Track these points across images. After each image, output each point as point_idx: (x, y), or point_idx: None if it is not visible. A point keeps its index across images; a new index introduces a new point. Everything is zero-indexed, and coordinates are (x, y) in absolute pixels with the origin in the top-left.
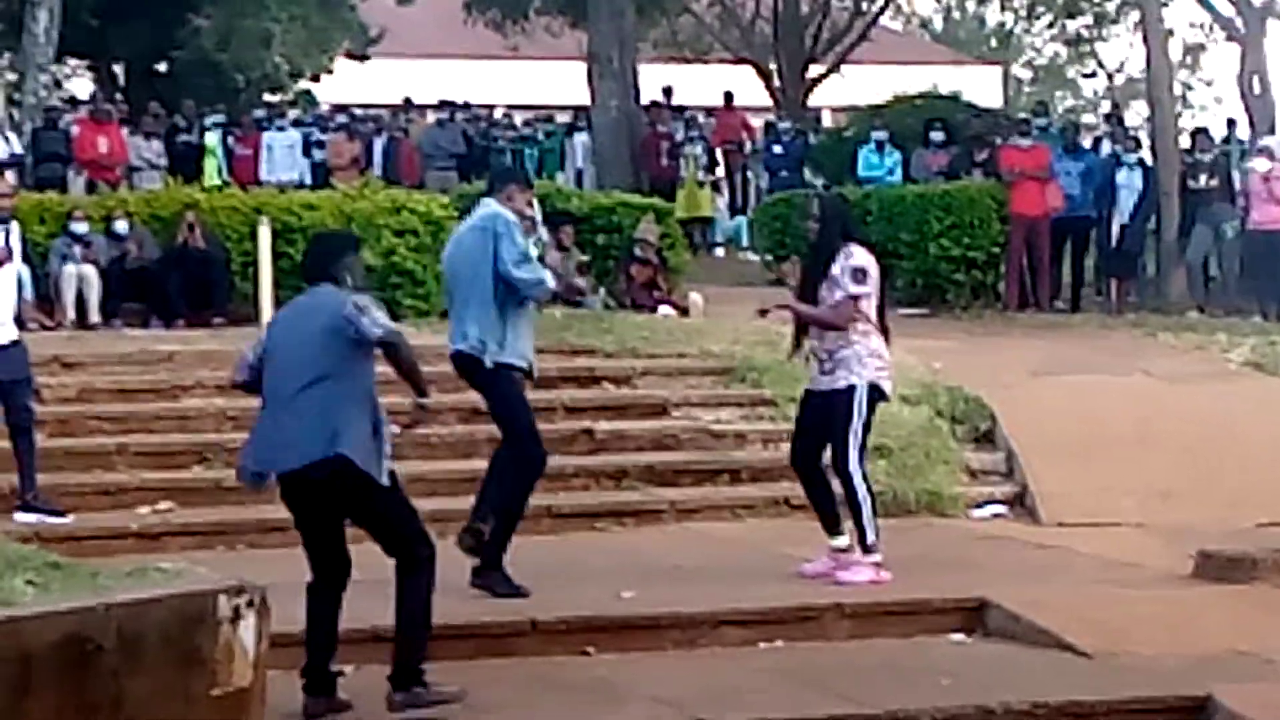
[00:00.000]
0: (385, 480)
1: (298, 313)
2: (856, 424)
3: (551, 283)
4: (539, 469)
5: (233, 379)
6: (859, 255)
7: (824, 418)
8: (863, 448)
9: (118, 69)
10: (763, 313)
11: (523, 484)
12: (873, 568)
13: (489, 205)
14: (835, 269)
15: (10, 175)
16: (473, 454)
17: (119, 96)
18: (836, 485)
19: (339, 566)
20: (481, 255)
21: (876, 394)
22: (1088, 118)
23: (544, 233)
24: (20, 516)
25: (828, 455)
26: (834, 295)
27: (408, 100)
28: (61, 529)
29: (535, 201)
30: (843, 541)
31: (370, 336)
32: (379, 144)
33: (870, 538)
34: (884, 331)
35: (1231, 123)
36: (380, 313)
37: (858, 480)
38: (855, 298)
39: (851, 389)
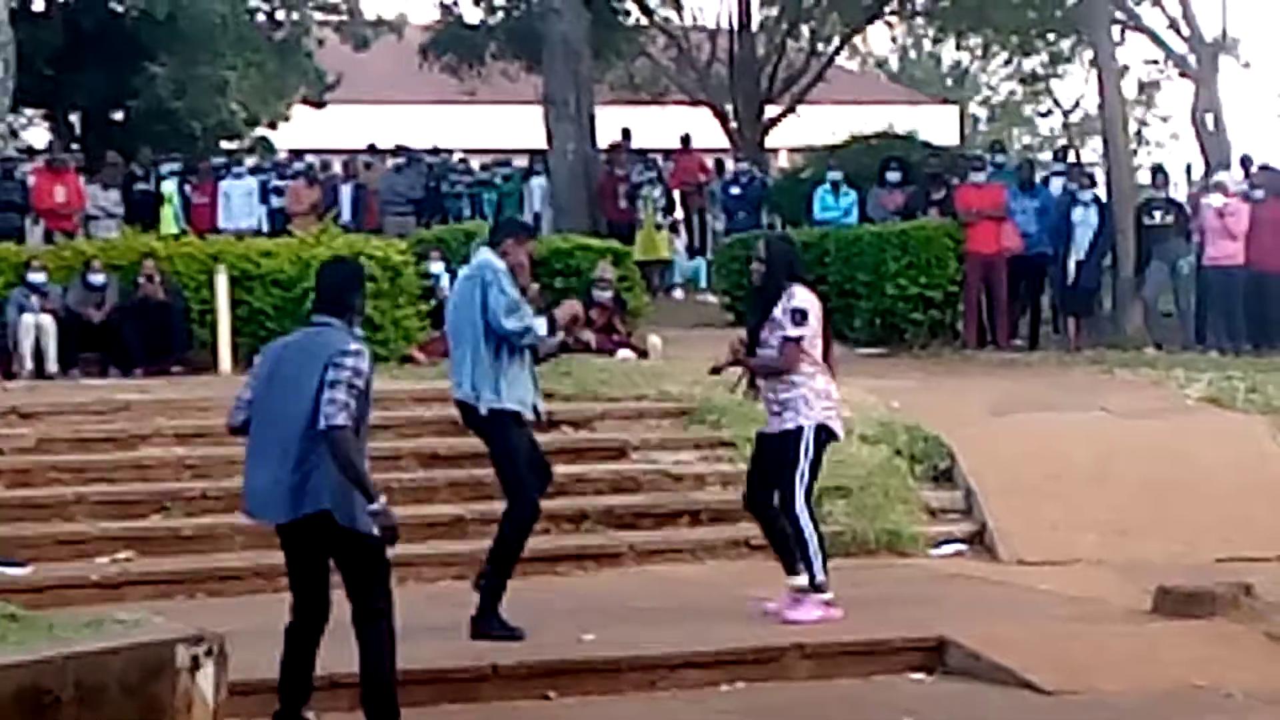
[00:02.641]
0: (372, 529)
1: (296, 352)
2: (803, 465)
3: (542, 330)
4: (529, 514)
5: (230, 422)
6: (799, 296)
7: (774, 460)
8: (809, 489)
9: (74, 118)
10: (715, 370)
11: (514, 530)
12: (822, 606)
13: (482, 253)
14: (777, 310)
15: None
16: (430, 499)
17: (75, 145)
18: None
19: (320, 610)
20: (471, 304)
21: (826, 434)
22: (1045, 155)
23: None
24: None
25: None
26: (773, 336)
27: (371, 146)
28: (20, 580)
29: None
30: (801, 581)
31: (320, 421)
32: (346, 190)
33: (819, 577)
34: (830, 370)
35: (1189, 167)
36: (344, 392)
37: (804, 521)
38: (796, 339)
39: (800, 430)
